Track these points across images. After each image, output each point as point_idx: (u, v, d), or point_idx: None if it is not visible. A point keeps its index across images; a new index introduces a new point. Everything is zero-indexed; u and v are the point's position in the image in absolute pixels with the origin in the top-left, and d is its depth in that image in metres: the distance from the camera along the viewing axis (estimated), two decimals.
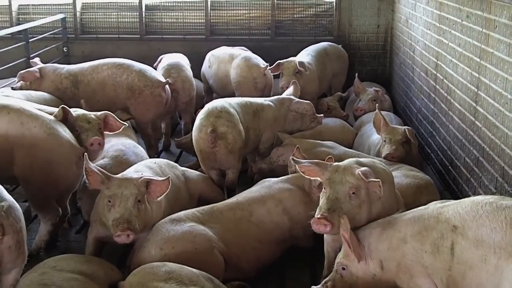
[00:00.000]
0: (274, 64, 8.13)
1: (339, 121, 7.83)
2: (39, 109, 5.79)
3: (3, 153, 5.23)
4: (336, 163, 4.35)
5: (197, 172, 6.13)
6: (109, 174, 4.75)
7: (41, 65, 7.64)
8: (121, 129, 5.92)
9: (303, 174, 4.43)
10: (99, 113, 5.82)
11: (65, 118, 5.58)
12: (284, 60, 8.15)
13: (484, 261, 3.42)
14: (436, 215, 3.76)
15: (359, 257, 3.98)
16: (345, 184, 4.15)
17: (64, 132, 5.43)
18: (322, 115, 6.96)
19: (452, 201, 3.93)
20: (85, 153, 4.87)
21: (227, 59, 8.70)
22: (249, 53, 8.78)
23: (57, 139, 5.33)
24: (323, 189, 4.24)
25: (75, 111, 5.76)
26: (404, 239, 3.84)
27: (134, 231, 4.51)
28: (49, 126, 5.34)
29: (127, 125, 6.10)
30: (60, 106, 5.65)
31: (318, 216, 4.10)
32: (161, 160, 5.89)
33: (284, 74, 8.07)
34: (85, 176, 4.73)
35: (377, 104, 6.93)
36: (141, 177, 4.70)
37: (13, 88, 7.41)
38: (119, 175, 4.83)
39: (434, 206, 3.92)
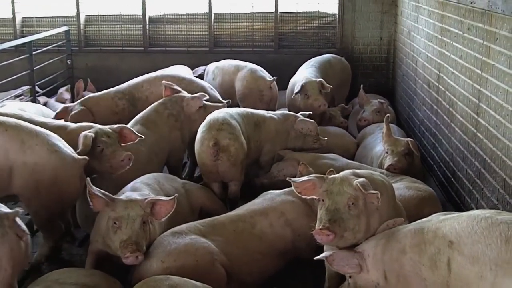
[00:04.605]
0: (300, 88, 7.87)
1: (339, 129, 7.90)
2: (43, 122, 5.81)
3: (1, 171, 5.09)
4: (333, 175, 4.36)
5: (198, 185, 6.12)
6: (113, 196, 4.68)
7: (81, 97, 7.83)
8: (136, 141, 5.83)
9: (299, 194, 4.40)
10: (114, 126, 5.76)
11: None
12: (305, 81, 7.97)
13: (481, 278, 3.33)
14: (434, 229, 3.70)
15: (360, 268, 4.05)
16: (344, 195, 4.15)
17: (65, 146, 5.34)
18: (326, 138, 6.95)
19: (453, 214, 3.91)
20: (88, 178, 4.74)
21: (232, 70, 8.71)
22: (255, 65, 8.76)
23: (60, 156, 5.22)
24: (321, 201, 4.24)
25: (91, 129, 5.64)
26: (404, 250, 3.81)
27: (142, 251, 4.49)
28: (50, 143, 5.23)
29: (143, 137, 5.92)
30: (88, 143, 5.45)
31: (320, 227, 4.10)
32: (159, 174, 5.83)
33: (312, 94, 7.88)
34: (89, 199, 4.61)
35: (387, 115, 6.84)
36: (146, 199, 4.65)
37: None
38: (123, 197, 4.76)
39: (437, 218, 3.88)
